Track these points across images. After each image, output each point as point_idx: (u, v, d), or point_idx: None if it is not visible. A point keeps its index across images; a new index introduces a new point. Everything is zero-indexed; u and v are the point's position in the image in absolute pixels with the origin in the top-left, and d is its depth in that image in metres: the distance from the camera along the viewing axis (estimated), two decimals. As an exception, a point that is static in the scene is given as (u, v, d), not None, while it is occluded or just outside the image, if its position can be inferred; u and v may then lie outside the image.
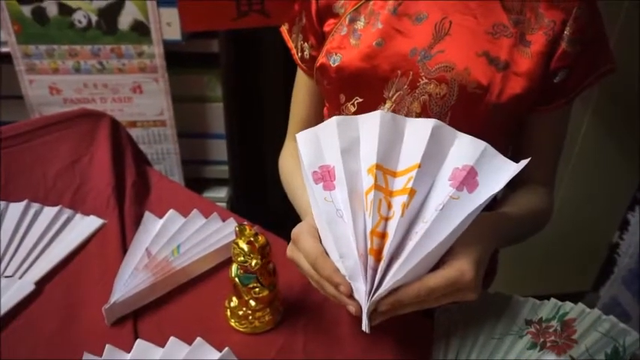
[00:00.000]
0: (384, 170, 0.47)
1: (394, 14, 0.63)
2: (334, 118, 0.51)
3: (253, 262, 0.58)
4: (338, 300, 0.49)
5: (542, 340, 0.53)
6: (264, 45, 1.55)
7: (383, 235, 0.45)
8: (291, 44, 0.75)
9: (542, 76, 0.60)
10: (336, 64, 0.65)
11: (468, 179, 0.46)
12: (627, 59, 1.25)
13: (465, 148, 0.49)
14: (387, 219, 0.45)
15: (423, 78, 0.61)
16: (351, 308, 0.47)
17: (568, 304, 0.55)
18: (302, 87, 0.77)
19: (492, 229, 0.56)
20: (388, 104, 0.64)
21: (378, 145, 0.47)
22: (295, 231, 0.55)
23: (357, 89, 0.66)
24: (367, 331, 0.45)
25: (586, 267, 1.65)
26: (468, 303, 0.50)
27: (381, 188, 0.46)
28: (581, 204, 1.49)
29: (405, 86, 0.62)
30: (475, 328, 0.56)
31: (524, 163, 0.48)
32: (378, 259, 0.45)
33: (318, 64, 0.69)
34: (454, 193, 0.45)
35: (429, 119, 0.50)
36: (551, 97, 0.63)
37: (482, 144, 0.48)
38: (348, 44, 0.65)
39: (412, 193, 0.46)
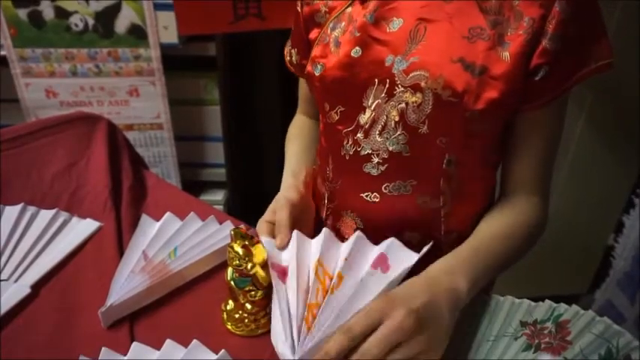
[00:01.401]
0: (323, 268, 0.57)
1: (370, 21, 0.62)
2: (295, 234, 0.61)
3: (249, 266, 0.58)
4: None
5: (537, 341, 0.53)
6: (260, 48, 1.56)
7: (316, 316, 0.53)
8: (286, 49, 0.77)
9: (522, 77, 0.58)
10: (319, 73, 0.65)
11: (381, 262, 0.57)
12: (622, 60, 1.25)
13: (378, 246, 0.60)
14: (320, 306, 0.53)
15: (400, 86, 0.60)
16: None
17: (562, 306, 0.55)
18: (302, 84, 0.81)
19: (438, 273, 0.56)
20: (368, 113, 0.63)
21: (322, 247, 0.59)
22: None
23: (338, 98, 0.66)
24: None
25: (581, 269, 1.65)
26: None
27: (320, 280, 0.56)
28: (577, 206, 1.50)
29: (383, 94, 0.62)
30: (470, 330, 0.56)
31: (424, 250, 0.57)
32: (308, 329, 0.52)
33: (305, 72, 0.69)
34: (370, 270, 0.56)
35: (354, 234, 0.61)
36: (533, 96, 0.60)
37: (390, 239, 0.60)
38: (329, 53, 0.65)
39: (340, 276, 0.55)
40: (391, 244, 0.59)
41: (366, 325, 0.47)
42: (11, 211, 0.76)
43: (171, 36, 1.22)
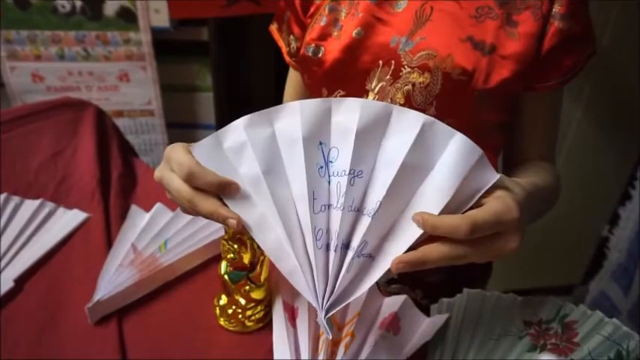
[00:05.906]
0: (332, 317, 0.49)
1: (373, 2, 0.61)
2: None
3: (244, 260, 0.56)
4: (215, 216, 0.44)
5: (542, 342, 0.52)
6: (254, 34, 1.53)
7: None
8: (281, 42, 0.74)
9: (533, 58, 0.58)
10: (317, 55, 0.64)
11: (393, 323, 0.56)
12: (620, 52, 1.25)
13: (389, 301, 0.58)
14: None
15: (406, 67, 0.59)
16: (232, 222, 0.44)
17: (569, 306, 0.54)
18: (292, 82, 0.77)
19: (527, 194, 0.49)
20: (371, 96, 0.62)
21: None
22: (168, 148, 0.49)
23: (338, 82, 0.64)
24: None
25: (575, 261, 1.66)
26: (512, 251, 0.43)
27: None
28: (572, 197, 1.49)
29: (388, 76, 0.61)
30: (472, 328, 0.55)
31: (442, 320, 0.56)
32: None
33: (300, 56, 0.67)
34: (383, 333, 0.55)
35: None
36: (548, 75, 0.61)
37: (403, 297, 0.58)
38: (328, 35, 0.64)
39: (352, 335, 0.54)
40: (404, 303, 0.57)
41: (490, 228, 0.41)
42: (-6, 201, 0.73)
43: (162, 20, 1.18)
